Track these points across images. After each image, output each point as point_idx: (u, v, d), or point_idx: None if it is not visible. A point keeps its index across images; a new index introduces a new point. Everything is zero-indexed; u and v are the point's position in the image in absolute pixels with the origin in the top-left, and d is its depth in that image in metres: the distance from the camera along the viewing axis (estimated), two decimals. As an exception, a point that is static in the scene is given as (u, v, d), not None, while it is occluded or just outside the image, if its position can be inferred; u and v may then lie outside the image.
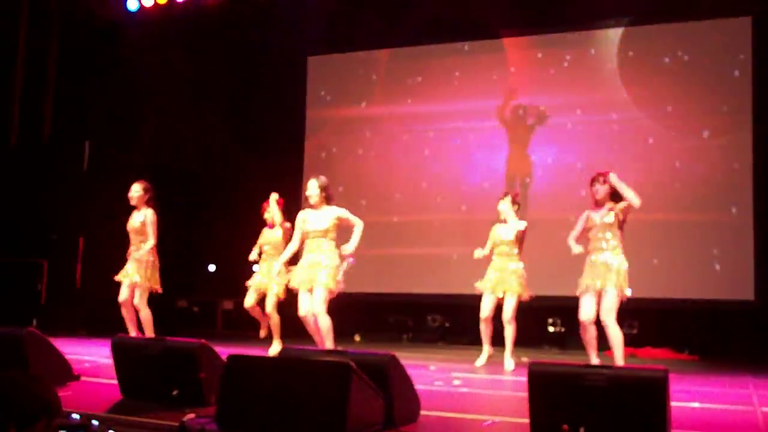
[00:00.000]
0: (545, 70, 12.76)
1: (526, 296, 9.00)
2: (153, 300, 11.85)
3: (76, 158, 13.10)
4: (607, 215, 7.82)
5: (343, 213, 8.41)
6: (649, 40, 12.25)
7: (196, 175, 14.00)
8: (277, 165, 13.52)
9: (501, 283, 9.02)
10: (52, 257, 12.64)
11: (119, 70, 13.69)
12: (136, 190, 9.49)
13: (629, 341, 10.86)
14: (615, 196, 7.85)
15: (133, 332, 9.29)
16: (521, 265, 9.07)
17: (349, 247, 8.30)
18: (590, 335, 7.79)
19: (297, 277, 8.35)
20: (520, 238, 9.07)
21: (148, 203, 9.50)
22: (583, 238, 8.00)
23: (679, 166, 11.89)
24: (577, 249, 7.96)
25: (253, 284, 9.79)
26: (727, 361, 10.30)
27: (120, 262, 9.40)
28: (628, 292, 7.64)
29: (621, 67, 12.28)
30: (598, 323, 7.71)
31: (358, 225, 8.44)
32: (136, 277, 9.29)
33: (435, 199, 13.12)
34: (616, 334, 7.58)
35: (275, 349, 9.43)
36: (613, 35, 12.44)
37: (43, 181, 12.78)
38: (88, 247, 12.11)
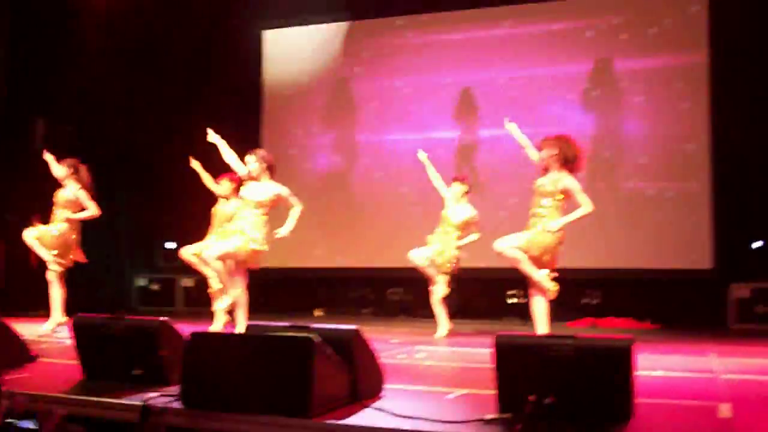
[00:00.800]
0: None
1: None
2: (112, 277, 11.77)
3: (28, 136, 12.91)
4: (550, 183, 7.82)
5: (284, 191, 8.39)
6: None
7: (153, 151, 13.83)
8: (234, 139, 13.40)
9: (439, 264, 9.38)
10: (8, 238, 12.46)
11: (73, 47, 13.47)
12: (61, 171, 9.61)
13: (592, 311, 10.99)
14: (567, 162, 7.83)
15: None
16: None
17: (284, 231, 8.30)
18: None
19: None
20: (468, 224, 9.30)
21: (78, 180, 9.61)
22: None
23: (643, 136, 11.95)
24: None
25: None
26: (688, 329, 10.40)
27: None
28: None
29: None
30: None
31: (296, 207, 8.43)
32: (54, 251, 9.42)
33: (395, 169, 13.06)
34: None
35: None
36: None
37: (-4, 160, 12.59)
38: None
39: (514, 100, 12.25)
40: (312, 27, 13.94)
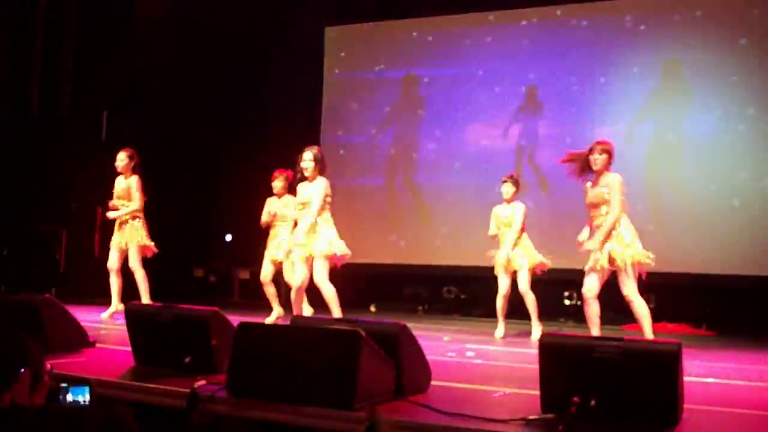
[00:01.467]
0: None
1: (537, 267, 9.07)
2: (170, 269, 11.92)
3: (94, 129, 13.15)
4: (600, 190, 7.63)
5: (322, 189, 8.23)
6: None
7: (212, 144, 13.99)
8: (292, 134, 13.52)
9: (512, 261, 9.14)
10: (71, 226, 12.71)
11: (137, 39, 13.68)
12: (121, 159, 9.73)
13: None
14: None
15: (116, 299, 9.64)
16: (525, 240, 9.21)
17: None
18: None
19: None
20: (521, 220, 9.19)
21: (134, 170, 9.76)
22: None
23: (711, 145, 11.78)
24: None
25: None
26: (745, 336, 10.23)
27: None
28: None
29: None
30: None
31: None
32: (122, 243, 9.67)
33: (453, 166, 13.04)
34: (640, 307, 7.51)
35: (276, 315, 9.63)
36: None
37: (63, 151, 12.81)
38: (106, 216, 12.16)
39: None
40: (373, 24, 13.94)
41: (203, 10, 13.87)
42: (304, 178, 8.31)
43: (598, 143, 7.72)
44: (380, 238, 13.20)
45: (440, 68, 13.34)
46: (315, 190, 8.16)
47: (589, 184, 7.73)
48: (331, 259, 8.10)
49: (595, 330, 7.62)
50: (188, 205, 13.63)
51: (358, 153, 13.60)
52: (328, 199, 8.24)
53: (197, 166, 13.91)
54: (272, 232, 9.94)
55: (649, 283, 7.94)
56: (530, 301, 9.09)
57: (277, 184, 9.92)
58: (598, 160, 7.61)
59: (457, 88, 13.16)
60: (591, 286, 7.57)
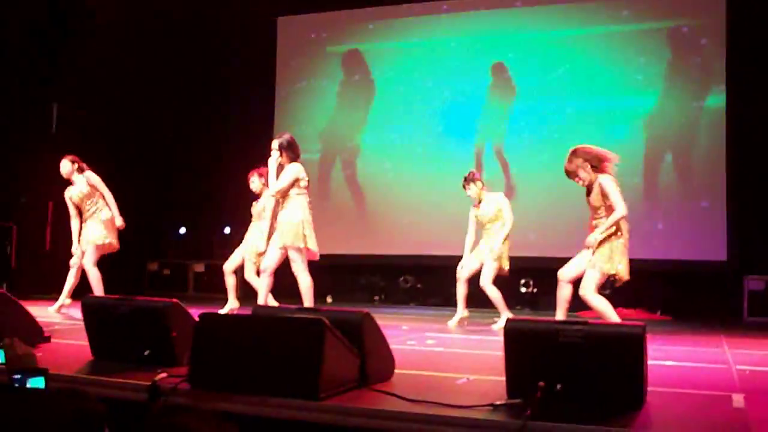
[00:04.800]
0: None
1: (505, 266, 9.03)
2: (124, 262, 11.79)
3: (44, 121, 12.95)
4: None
5: (292, 174, 8.21)
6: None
7: (165, 137, 13.86)
8: (246, 127, 13.45)
9: (482, 252, 9.12)
10: (22, 221, 12.52)
11: (88, 31, 13.49)
12: (64, 167, 9.66)
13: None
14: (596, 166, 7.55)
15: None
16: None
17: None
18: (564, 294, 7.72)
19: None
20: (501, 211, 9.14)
21: (81, 170, 9.64)
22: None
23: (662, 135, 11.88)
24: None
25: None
26: (700, 321, 10.35)
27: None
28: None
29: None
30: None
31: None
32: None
33: (408, 157, 13.03)
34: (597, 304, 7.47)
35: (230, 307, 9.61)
36: None
37: (12, 144, 12.60)
38: (57, 210, 11.98)
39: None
40: (325, 14, 13.87)
41: (156, 3, 13.71)
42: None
43: (572, 153, 7.62)
44: (336, 229, 13.15)
45: (394, 49, 13.34)
46: (282, 174, 8.17)
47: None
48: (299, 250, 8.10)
49: (560, 313, 7.62)
50: (141, 198, 13.48)
51: (310, 143, 13.54)
52: (303, 183, 8.22)
53: (149, 159, 13.78)
54: (250, 228, 9.72)
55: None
56: (494, 294, 9.05)
57: (252, 182, 9.66)
58: (583, 177, 7.56)
59: (415, 71, 13.15)
60: (567, 271, 7.59)
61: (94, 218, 9.55)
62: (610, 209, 7.37)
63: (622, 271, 7.40)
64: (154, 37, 13.76)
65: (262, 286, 8.38)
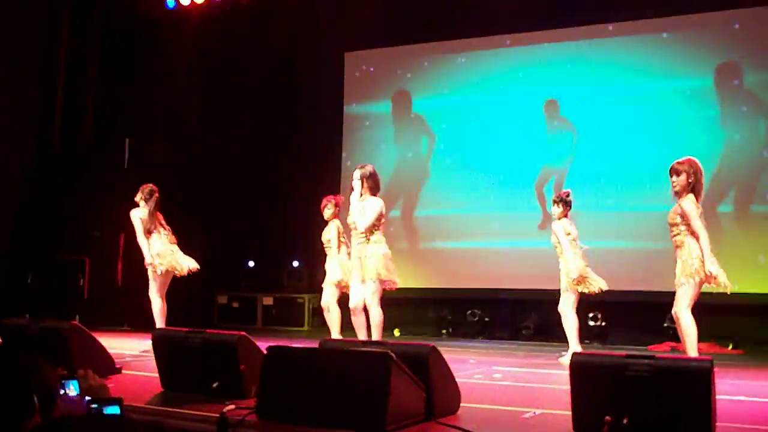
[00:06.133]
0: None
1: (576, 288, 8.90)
2: (193, 295, 11.95)
3: (116, 156, 13.21)
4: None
5: (378, 209, 8.24)
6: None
7: (233, 170, 14.03)
8: (316, 162, 13.56)
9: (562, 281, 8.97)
10: (94, 254, 12.75)
11: (158, 67, 13.77)
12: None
13: (671, 335, 10.77)
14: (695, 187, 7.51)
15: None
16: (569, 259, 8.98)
17: None
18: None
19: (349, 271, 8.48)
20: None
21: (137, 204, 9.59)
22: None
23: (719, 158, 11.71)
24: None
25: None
26: (772, 355, 10.14)
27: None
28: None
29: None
30: None
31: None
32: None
33: (475, 191, 13.00)
34: (686, 326, 7.41)
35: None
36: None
37: (86, 179, 12.87)
38: (129, 244, 12.19)
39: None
40: (392, 48, 13.95)
41: (226, 37, 13.93)
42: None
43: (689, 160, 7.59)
44: (405, 262, 13.15)
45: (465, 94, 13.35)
46: (367, 208, 8.21)
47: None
48: (383, 282, 8.15)
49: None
50: (213, 231, 13.66)
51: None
52: (383, 220, 8.30)
53: (218, 192, 13.93)
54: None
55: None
56: (570, 324, 8.90)
57: (327, 211, 9.40)
58: (676, 182, 7.53)
59: (476, 106, 13.15)
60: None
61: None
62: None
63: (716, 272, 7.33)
64: (224, 69, 13.97)
65: (357, 324, 8.35)
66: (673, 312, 7.52)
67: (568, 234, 8.96)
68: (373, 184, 8.31)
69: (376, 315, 8.09)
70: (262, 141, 14.20)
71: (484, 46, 13.29)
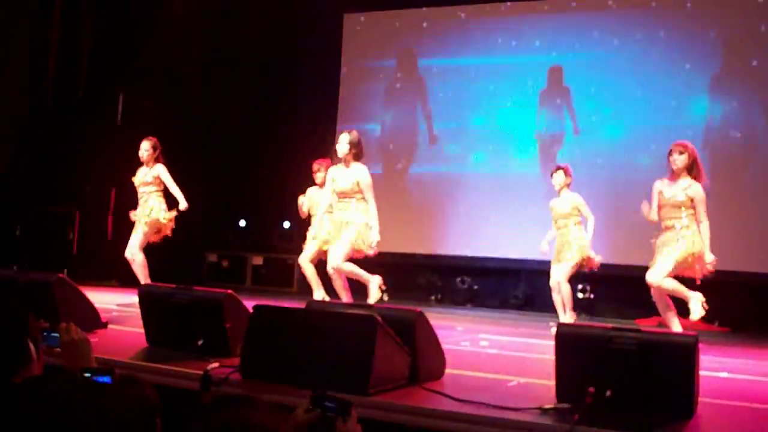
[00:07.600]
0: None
1: (587, 262, 8.93)
2: (183, 252, 11.93)
3: (110, 111, 13.12)
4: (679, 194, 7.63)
5: (363, 179, 8.22)
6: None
7: (229, 130, 13.97)
8: (310, 122, 13.49)
9: (561, 252, 9.01)
10: (85, 208, 12.69)
11: (155, 22, 13.65)
12: (145, 149, 9.53)
13: (657, 312, 10.80)
14: (692, 169, 7.63)
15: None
16: (581, 232, 8.99)
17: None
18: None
19: (328, 234, 8.43)
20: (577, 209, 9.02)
21: (158, 159, 9.58)
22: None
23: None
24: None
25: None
26: (758, 334, 10.17)
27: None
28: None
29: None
30: None
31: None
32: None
33: (468, 156, 12.96)
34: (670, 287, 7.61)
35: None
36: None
37: (78, 133, 12.78)
38: (119, 199, 12.14)
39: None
40: (391, 11, 13.86)
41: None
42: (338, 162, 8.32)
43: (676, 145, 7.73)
44: (396, 227, 13.13)
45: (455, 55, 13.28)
46: (359, 177, 8.17)
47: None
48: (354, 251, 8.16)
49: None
50: (203, 189, 13.62)
51: (372, 142, 13.55)
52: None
53: (211, 151, 13.89)
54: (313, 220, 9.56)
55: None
56: (565, 291, 8.98)
57: (320, 174, 9.43)
58: (678, 160, 7.62)
59: (476, 73, 13.08)
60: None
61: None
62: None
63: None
64: (221, 28, 13.85)
65: (337, 287, 8.28)
66: (649, 280, 7.55)
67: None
68: (357, 151, 8.27)
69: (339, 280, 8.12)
70: (257, 101, 14.13)
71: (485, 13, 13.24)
